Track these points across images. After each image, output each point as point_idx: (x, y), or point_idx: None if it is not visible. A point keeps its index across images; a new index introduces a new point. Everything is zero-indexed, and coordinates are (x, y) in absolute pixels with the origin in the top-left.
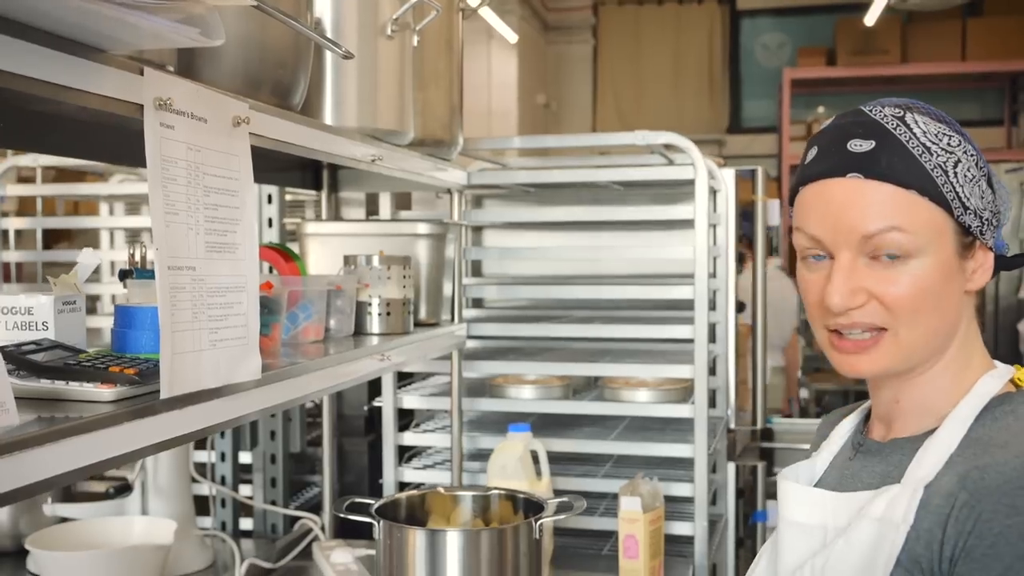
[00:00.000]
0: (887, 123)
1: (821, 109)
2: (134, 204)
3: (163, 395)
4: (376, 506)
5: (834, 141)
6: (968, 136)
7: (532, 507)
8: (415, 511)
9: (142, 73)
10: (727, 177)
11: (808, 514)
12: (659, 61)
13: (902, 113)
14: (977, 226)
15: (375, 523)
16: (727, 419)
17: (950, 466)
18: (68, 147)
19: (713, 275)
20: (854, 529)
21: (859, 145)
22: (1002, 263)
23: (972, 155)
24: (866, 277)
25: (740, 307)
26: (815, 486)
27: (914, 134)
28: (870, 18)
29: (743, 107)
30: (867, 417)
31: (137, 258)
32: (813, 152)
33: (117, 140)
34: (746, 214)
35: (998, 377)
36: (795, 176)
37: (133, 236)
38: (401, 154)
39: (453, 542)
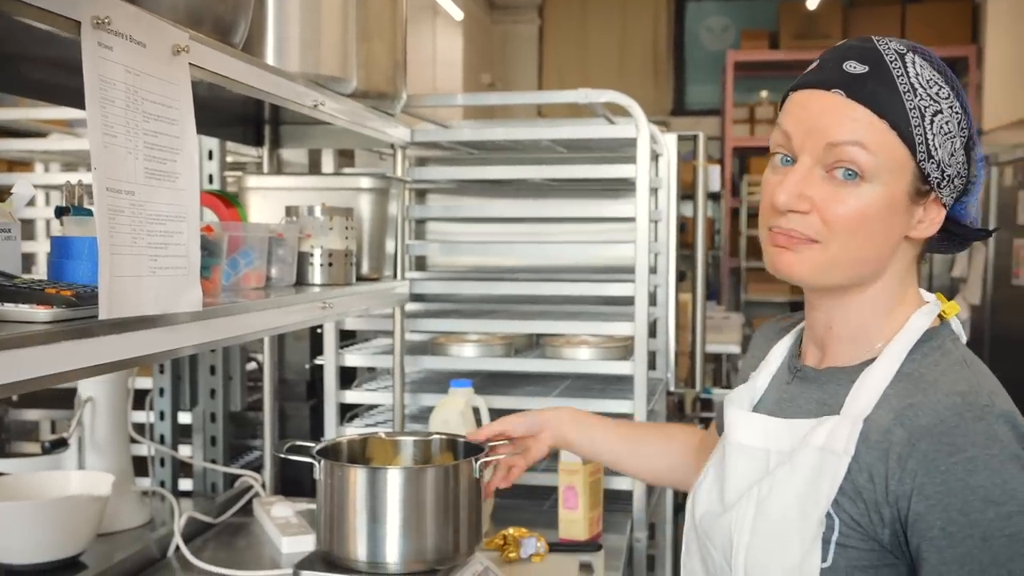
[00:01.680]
0: (887, 54)
1: (764, 93)
2: (71, 164)
3: (101, 316)
4: (317, 448)
5: (834, 58)
6: (964, 98)
7: (473, 450)
8: (356, 456)
9: None
10: (669, 142)
11: (752, 438)
12: (605, 42)
13: (905, 51)
14: (936, 177)
15: (316, 463)
16: (667, 382)
17: (885, 400)
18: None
19: (655, 239)
20: (798, 457)
21: (853, 67)
22: (972, 233)
23: (957, 113)
24: (817, 188)
25: (681, 276)
26: (757, 407)
27: (907, 72)
28: (812, 2)
29: (687, 90)
30: (801, 339)
31: (75, 198)
32: (814, 64)
33: (56, 76)
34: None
35: (928, 313)
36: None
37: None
38: (344, 102)
39: (394, 480)
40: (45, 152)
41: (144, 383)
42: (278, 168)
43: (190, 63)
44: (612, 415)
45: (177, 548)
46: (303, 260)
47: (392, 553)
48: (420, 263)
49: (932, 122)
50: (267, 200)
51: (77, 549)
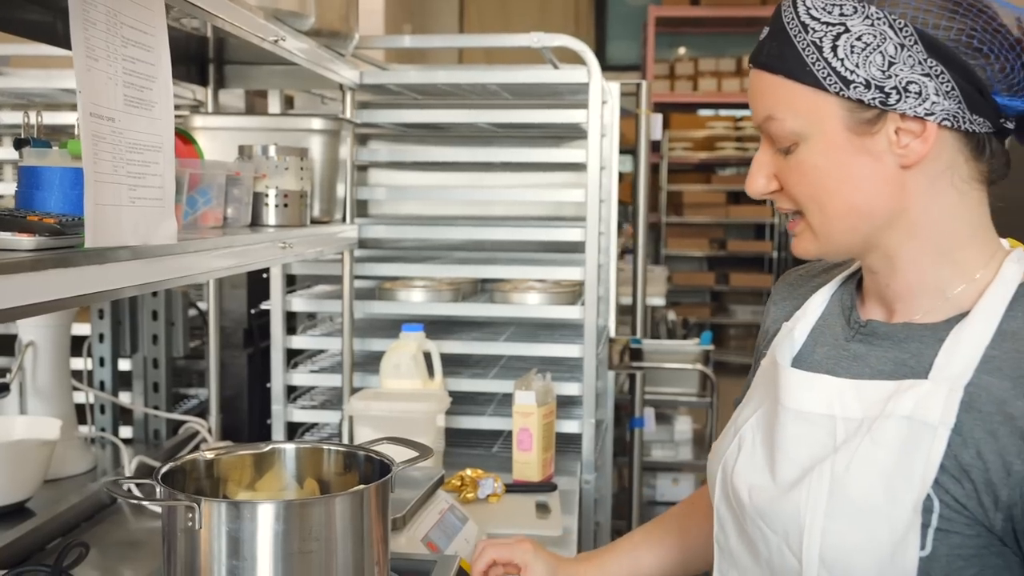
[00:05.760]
0: (784, 7)
1: (682, 50)
2: None
3: (88, 244)
4: (161, 471)
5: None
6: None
7: (379, 468)
8: (213, 479)
9: None
10: (613, 90)
11: (813, 402)
12: None
13: None
14: (875, 97)
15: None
16: (608, 328)
17: (991, 364)
18: None
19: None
20: (880, 427)
21: (764, 32)
22: None
23: (878, 20)
24: (777, 164)
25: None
26: (805, 366)
27: (796, 13)
28: None
29: (608, 45)
30: (852, 289)
31: (34, 130)
32: None
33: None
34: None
35: (1017, 261)
36: None
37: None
38: (302, 39)
39: (267, 517)
40: None
41: (82, 329)
42: (217, 110)
43: None
44: (559, 362)
45: (128, 491)
46: (258, 201)
47: None
48: (361, 209)
49: (835, 48)
50: (215, 140)
51: (25, 495)
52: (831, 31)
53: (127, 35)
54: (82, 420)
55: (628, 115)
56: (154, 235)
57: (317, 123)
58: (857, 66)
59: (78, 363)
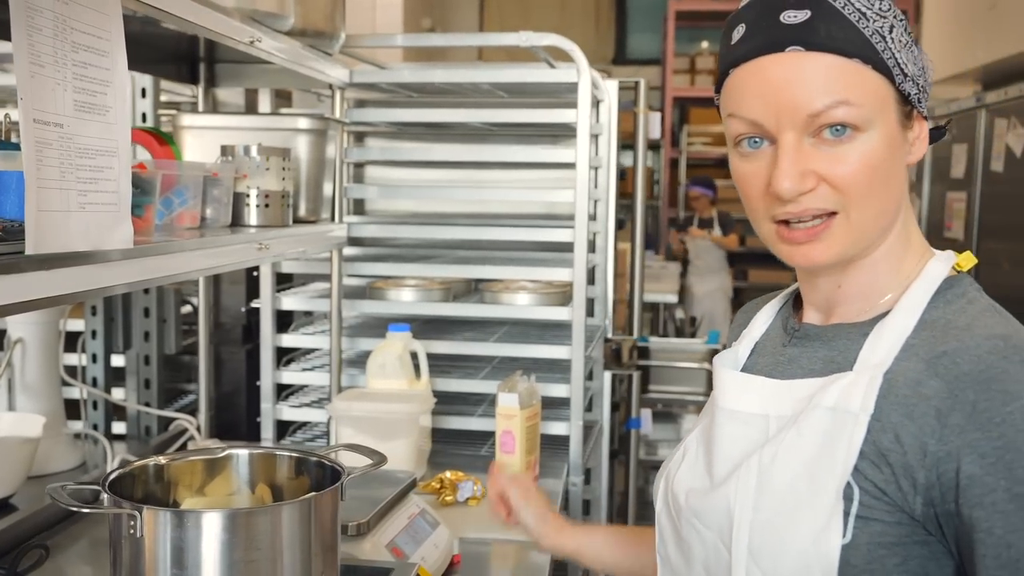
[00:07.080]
0: None
1: (705, 44)
2: None
3: (28, 251)
4: (109, 477)
5: (764, 14)
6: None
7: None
8: (164, 485)
9: None
10: (611, 89)
11: (748, 402)
12: None
13: None
14: (915, 93)
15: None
16: (604, 328)
17: (909, 351)
18: None
19: (595, 186)
20: (805, 419)
21: (793, 16)
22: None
23: (902, 20)
24: (813, 158)
25: (620, 224)
26: (746, 372)
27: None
28: None
29: (628, 39)
30: (793, 304)
31: (2, 132)
32: (740, 30)
33: None
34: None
35: (944, 261)
36: (722, 59)
37: None
38: (281, 39)
39: (213, 527)
40: None
41: (76, 325)
42: (213, 108)
43: None
44: (551, 363)
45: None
46: (239, 201)
47: None
48: (358, 207)
49: (892, 39)
50: (202, 140)
51: (7, 491)
52: (885, 22)
53: (78, 40)
54: (76, 416)
55: (650, 108)
56: (107, 240)
57: (304, 122)
58: (908, 61)
59: (72, 359)
